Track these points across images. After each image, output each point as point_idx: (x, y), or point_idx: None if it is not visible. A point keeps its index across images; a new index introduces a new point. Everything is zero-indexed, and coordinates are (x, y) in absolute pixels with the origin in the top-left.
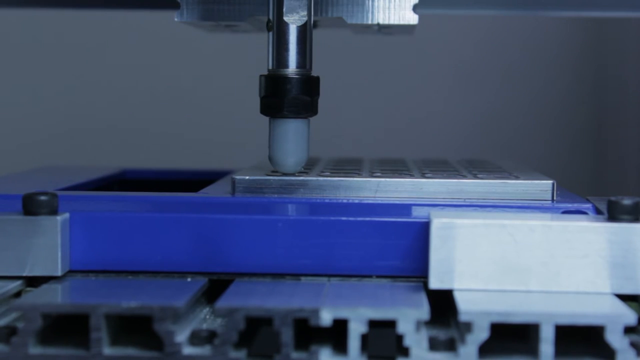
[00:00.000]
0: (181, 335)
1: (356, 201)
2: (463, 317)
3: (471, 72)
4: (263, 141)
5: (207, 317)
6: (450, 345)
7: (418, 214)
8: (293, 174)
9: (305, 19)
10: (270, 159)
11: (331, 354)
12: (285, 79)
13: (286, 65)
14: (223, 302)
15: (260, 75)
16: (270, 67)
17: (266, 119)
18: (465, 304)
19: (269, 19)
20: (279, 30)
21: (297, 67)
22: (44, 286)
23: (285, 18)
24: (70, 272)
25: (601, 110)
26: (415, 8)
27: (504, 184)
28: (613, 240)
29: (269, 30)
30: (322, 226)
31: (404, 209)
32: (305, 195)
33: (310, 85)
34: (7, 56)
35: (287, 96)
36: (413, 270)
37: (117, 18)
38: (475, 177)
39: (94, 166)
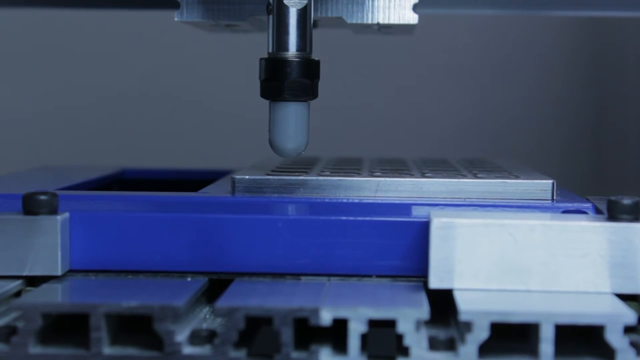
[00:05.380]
0: (181, 335)
1: (356, 201)
2: (463, 317)
3: (471, 71)
4: (263, 141)
5: (207, 316)
6: (450, 345)
7: (418, 213)
8: (293, 174)
9: (305, 2)
10: (271, 143)
11: (331, 354)
12: (285, 62)
13: (286, 49)
14: (223, 302)
15: (260, 59)
16: (270, 51)
17: (266, 119)
18: (465, 304)
19: (269, 2)
20: (279, 13)
21: (297, 50)
22: (44, 286)
23: (285, 1)
24: (70, 271)
25: (601, 109)
26: (415, 8)
27: (504, 184)
28: (613, 240)
29: (269, 14)
30: (322, 226)
31: (404, 208)
32: (305, 195)
33: (310, 68)
34: (6, 56)
35: (287, 79)
36: (413, 270)
37: (117, 18)
38: (475, 176)
39: (94, 166)
